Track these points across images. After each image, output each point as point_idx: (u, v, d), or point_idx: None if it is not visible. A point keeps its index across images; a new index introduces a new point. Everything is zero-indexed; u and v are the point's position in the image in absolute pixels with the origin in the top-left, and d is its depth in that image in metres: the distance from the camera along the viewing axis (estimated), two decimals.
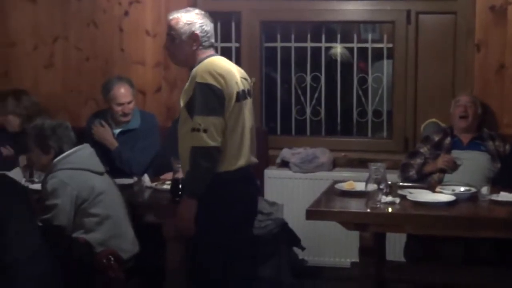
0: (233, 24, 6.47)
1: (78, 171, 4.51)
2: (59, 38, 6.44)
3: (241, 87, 4.22)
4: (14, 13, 6.45)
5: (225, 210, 4.20)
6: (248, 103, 4.29)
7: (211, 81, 4.08)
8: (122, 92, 5.67)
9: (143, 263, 4.69)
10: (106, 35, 6.38)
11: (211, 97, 4.07)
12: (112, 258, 4.28)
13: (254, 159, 4.34)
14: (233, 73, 4.23)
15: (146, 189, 5.14)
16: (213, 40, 4.31)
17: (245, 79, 4.32)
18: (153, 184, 5.16)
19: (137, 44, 6.35)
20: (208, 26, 4.27)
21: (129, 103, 5.69)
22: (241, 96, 4.21)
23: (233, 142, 4.18)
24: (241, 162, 4.21)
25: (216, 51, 4.48)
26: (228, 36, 6.49)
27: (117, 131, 5.76)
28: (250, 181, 4.33)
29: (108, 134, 5.63)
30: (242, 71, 4.36)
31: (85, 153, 4.62)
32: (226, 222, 4.20)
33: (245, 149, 4.24)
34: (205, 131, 4.04)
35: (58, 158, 4.54)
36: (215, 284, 4.25)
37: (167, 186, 5.10)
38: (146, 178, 5.20)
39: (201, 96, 4.06)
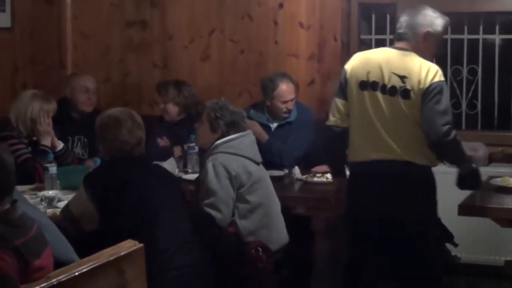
0: (387, 16, 6.37)
1: (238, 157, 4.56)
2: (215, 31, 6.54)
3: (375, 79, 4.24)
4: (172, 7, 6.61)
5: (349, 202, 4.35)
6: (385, 98, 4.25)
7: None
8: (287, 89, 5.70)
9: (292, 255, 4.71)
10: (260, 28, 6.42)
11: (339, 80, 4.39)
12: (260, 250, 4.31)
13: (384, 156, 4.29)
14: (371, 62, 4.31)
15: (297, 181, 5.16)
16: (399, 32, 4.40)
17: (399, 76, 4.25)
18: (304, 177, 5.16)
19: (291, 37, 6.36)
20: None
21: (292, 100, 5.72)
22: (368, 86, 4.24)
23: (354, 132, 4.22)
24: (360, 156, 4.23)
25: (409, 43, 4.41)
26: (383, 28, 6.41)
27: (274, 124, 5.80)
28: (377, 179, 4.27)
29: (257, 127, 5.65)
30: (409, 68, 4.27)
31: (247, 140, 4.66)
32: (351, 214, 4.28)
33: (368, 144, 4.22)
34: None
35: (221, 140, 4.59)
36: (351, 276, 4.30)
37: (317, 178, 5.11)
38: (296, 171, 5.21)
39: None
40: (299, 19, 6.32)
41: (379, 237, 4.27)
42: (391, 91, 4.22)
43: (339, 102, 4.35)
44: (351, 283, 4.41)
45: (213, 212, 4.42)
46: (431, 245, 4.38)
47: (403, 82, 4.22)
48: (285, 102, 5.70)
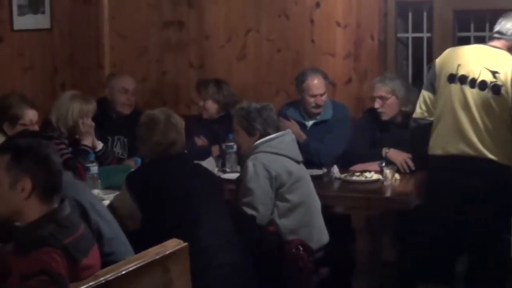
0: (424, 14, 6.35)
1: (278, 156, 4.57)
2: (251, 30, 6.56)
3: (464, 73, 4.25)
4: (209, 6, 6.63)
5: (426, 196, 4.39)
6: (473, 93, 4.25)
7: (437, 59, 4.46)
8: (316, 83, 5.71)
9: (332, 254, 4.72)
10: (297, 27, 6.43)
11: (428, 73, 4.46)
12: (301, 248, 4.32)
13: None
14: (462, 55, 4.33)
15: (336, 180, 5.16)
16: (496, 31, 4.43)
17: (491, 71, 4.23)
18: (342, 175, 5.16)
19: (328, 36, 6.36)
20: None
21: (321, 95, 5.72)
22: (457, 80, 4.24)
23: (438, 125, 4.22)
24: (441, 150, 4.24)
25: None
26: (419, 26, 6.39)
27: (310, 122, 5.81)
28: (456, 174, 4.26)
29: (295, 127, 5.65)
30: (501, 64, 4.26)
31: (287, 140, 4.66)
32: (427, 206, 4.29)
33: (450, 138, 4.22)
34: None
35: (261, 140, 4.59)
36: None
37: (356, 177, 5.11)
38: (335, 169, 5.21)
39: None
40: (336, 18, 6.31)
41: (451, 233, 4.27)
42: (480, 86, 4.20)
43: (426, 95, 4.38)
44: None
45: (250, 211, 4.44)
46: (502, 246, 4.36)
47: (495, 77, 4.19)
48: (314, 96, 5.71)
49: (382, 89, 5.44)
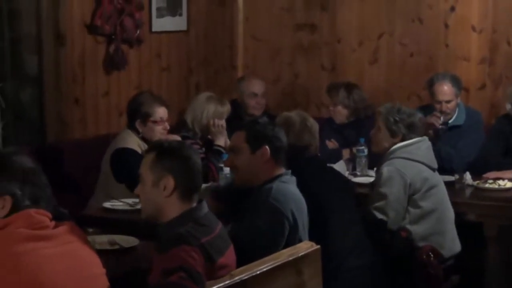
0: None
1: (414, 162, 4.54)
2: (384, 34, 6.54)
3: None
4: (342, 10, 6.65)
5: None
6: None
7: None
8: (441, 90, 5.63)
9: (463, 262, 4.66)
10: (430, 31, 6.37)
11: None
12: (432, 255, 4.29)
13: None
14: None
15: (468, 187, 5.08)
16: None
17: None
18: (475, 183, 5.08)
19: (462, 40, 6.28)
20: None
21: (447, 101, 5.64)
22: None
23: None
24: None
25: None
26: None
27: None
28: None
29: None
30: None
31: (423, 146, 4.61)
32: None
33: None
34: None
35: (398, 145, 4.56)
36: None
37: (489, 185, 5.02)
38: (468, 176, 5.13)
39: None
40: (471, 22, 6.22)
41: None
42: None
43: None
44: None
45: (380, 216, 4.42)
46: None
47: None
48: (439, 102, 5.64)
49: None
